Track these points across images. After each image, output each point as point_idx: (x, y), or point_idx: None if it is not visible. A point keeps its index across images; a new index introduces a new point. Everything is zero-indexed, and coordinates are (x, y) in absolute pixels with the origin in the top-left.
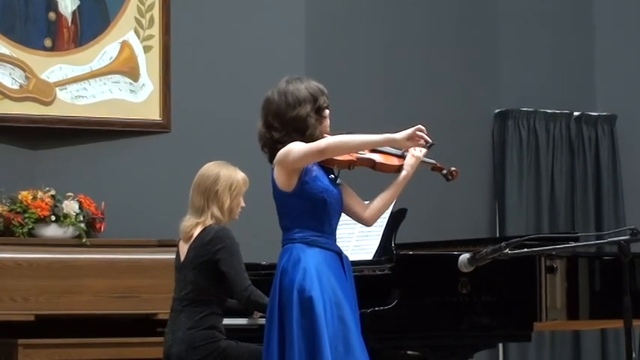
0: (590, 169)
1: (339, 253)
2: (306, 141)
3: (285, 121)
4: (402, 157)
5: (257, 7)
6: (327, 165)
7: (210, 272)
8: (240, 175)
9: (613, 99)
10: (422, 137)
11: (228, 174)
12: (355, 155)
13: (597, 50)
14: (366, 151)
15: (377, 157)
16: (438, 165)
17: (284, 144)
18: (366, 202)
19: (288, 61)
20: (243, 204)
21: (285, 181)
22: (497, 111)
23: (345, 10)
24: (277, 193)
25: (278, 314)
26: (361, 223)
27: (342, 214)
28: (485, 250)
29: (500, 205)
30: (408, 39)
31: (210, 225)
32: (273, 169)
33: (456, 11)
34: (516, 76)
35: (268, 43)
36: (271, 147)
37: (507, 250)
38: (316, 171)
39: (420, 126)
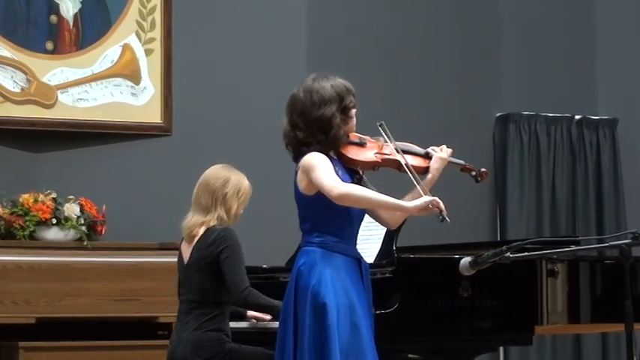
0: (592, 172)
1: (358, 259)
2: (329, 141)
3: (309, 121)
4: (429, 157)
5: (258, 10)
6: (351, 166)
7: (214, 273)
8: (247, 183)
9: (614, 103)
10: (437, 207)
11: (237, 179)
12: (380, 157)
13: (599, 54)
14: (392, 152)
15: (402, 159)
16: (467, 166)
17: (308, 146)
18: None
19: (290, 63)
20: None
21: (306, 186)
22: (498, 114)
23: (345, 11)
24: (299, 196)
25: (293, 315)
26: (384, 226)
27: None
28: (486, 254)
29: (501, 209)
30: (409, 41)
31: (213, 226)
32: (296, 171)
33: (457, 14)
34: (517, 79)
35: (269, 45)
36: (295, 146)
37: (508, 254)
38: (340, 175)
39: (436, 198)
